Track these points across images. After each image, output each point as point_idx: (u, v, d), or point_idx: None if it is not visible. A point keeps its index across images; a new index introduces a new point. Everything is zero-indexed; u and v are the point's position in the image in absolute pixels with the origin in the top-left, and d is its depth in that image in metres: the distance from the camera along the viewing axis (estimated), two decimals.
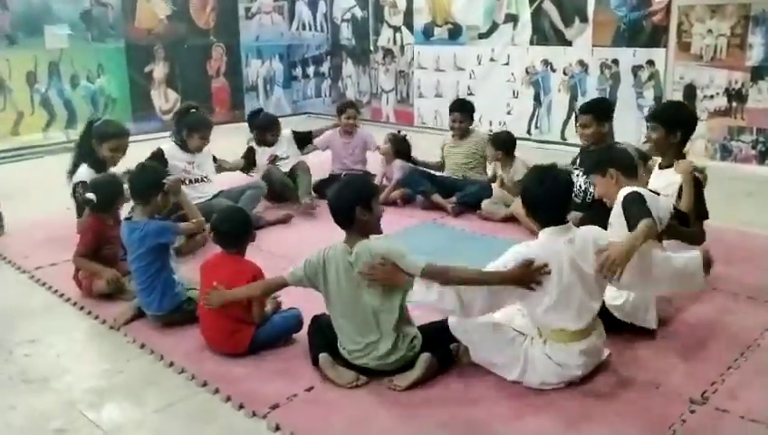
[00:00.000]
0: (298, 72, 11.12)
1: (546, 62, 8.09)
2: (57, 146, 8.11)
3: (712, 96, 6.88)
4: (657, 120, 3.91)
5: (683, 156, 3.87)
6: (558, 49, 7.94)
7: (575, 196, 4.52)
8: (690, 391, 2.85)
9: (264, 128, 5.93)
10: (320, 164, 6.13)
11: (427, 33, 9.23)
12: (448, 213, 5.45)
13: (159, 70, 9.41)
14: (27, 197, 6.21)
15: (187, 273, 3.80)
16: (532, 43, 8.17)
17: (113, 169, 4.54)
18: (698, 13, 6.84)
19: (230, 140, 6.48)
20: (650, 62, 7.22)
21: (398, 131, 6.18)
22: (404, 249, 2.90)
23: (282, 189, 5.75)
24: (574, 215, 3.96)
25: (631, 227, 2.98)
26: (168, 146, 5.12)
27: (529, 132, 8.19)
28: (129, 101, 9.17)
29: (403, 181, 5.77)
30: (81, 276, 3.93)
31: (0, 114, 8.13)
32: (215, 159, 5.37)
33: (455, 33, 8.91)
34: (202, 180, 5.15)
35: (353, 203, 2.89)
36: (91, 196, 3.95)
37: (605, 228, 3.14)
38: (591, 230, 2.91)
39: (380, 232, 3.03)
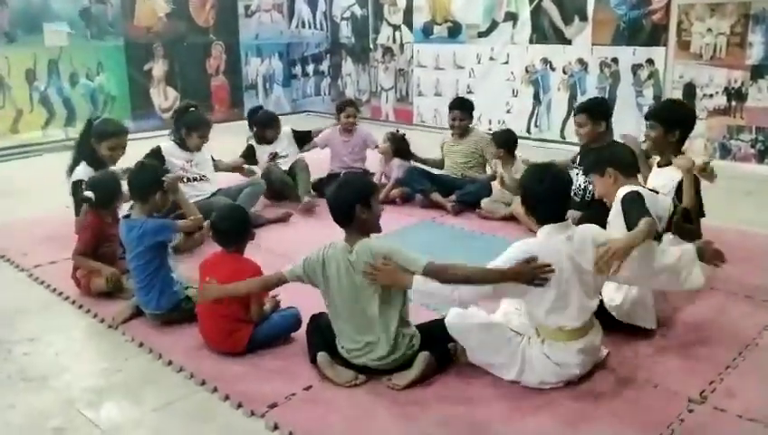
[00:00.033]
0: (297, 70, 11.12)
1: (546, 61, 8.09)
2: (56, 144, 8.13)
3: (711, 95, 6.88)
4: (656, 118, 3.91)
5: (682, 154, 3.87)
6: (557, 48, 7.94)
7: (574, 195, 4.52)
8: (689, 390, 2.85)
9: (264, 124, 5.92)
10: (318, 162, 6.12)
11: (427, 32, 9.22)
12: (448, 212, 5.45)
13: (159, 68, 9.41)
14: (26, 194, 6.22)
15: (186, 271, 3.81)
16: (531, 41, 8.17)
17: (112, 168, 4.53)
18: (698, 11, 6.84)
19: (229, 138, 6.48)
20: (650, 61, 7.22)
21: (397, 130, 6.18)
22: (405, 248, 2.90)
23: (281, 188, 5.74)
24: (573, 214, 3.96)
25: (630, 226, 2.99)
26: (167, 144, 5.12)
27: (528, 131, 8.19)
28: (129, 99, 9.17)
29: (402, 180, 5.77)
30: (80, 275, 3.93)
31: None
32: (212, 160, 5.36)
33: (454, 32, 8.91)
34: (200, 179, 5.14)
35: (353, 201, 2.88)
36: (89, 193, 3.95)
37: (604, 227, 3.14)
38: (590, 228, 2.92)
39: (380, 230, 3.03)
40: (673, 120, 3.86)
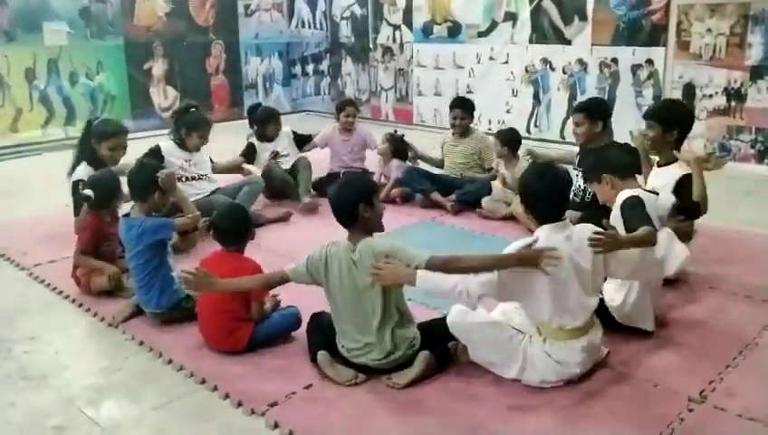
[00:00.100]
0: (297, 69, 11.11)
1: (545, 61, 8.09)
2: (56, 143, 8.14)
3: (711, 95, 6.88)
4: (654, 118, 3.92)
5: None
6: (557, 48, 7.94)
7: (574, 195, 4.52)
8: (689, 389, 2.86)
9: (264, 120, 5.92)
10: (318, 162, 6.13)
11: (427, 32, 9.22)
12: (447, 211, 5.45)
13: (159, 67, 9.41)
14: (26, 194, 6.22)
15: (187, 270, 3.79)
16: (531, 41, 8.17)
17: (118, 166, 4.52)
18: (698, 12, 6.84)
19: (229, 137, 6.48)
20: (649, 61, 7.22)
21: (395, 131, 6.18)
22: (407, 246, 2.91)
23: (282, 186, 5.74)
24: (573, 214, 3.96)
25: (630, 233, 3.03)
26: (167, 144, 5.11)
27: (528, 131, 8.18)
28: (129, 98, 9.16)
29: (402, 180, 5.77)
30: (80, 273, 3.93)
31: None
32: (210, 161, 5.34)
33: (454, 32, 8.91)
34: (199, 178, 5.13)
35: (356, 200, 2.88)
36: (88, 192, 3.95)
37: (603, 228, 3.15)
38: (589, 228, 2.92)
39: (383, 229, 3.03)
40: (671, 119, 3.87)
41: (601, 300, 3.12)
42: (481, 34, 8.62)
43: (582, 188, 4.60)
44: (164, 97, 9.50)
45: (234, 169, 5.66)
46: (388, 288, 2.88)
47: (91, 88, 8.82)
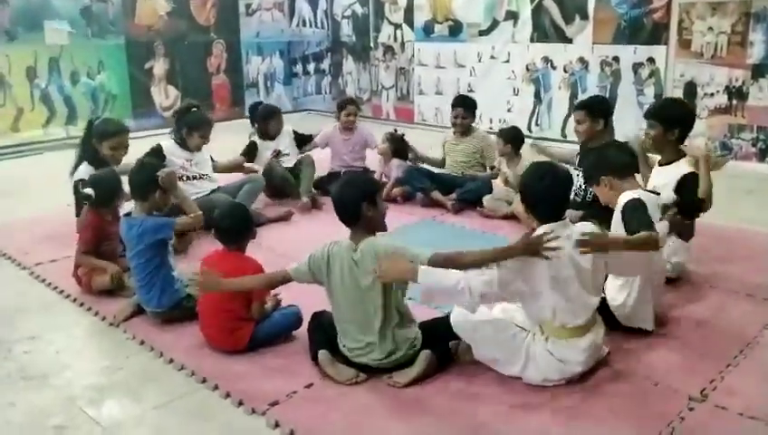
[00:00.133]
0: (298, 68, 11.11)
1: (547, 60, 8.08)
2: (57, 142, 8.14)
3: (712, 94, 6.87)
4: (655, 117, 3.91)
5: (681, 153, 3.87)
6: (558, 46, 7.94)
7: (575, 195, 4.52)
8: (689, 388, 2.85)
9: (266, 116, 5.92)
10: (320, 161, 6.12)
11: (428, 30, 9.22)
12: (448, 210, 5.45)
13: (160, 66, 9.41)
14: (27, 193, 6.22)
15: (187, 269, 3.79)
16: (532, 40, 8.17)
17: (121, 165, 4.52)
18: (699, 10, 6.83)
19: (230, 136, 6.47)
20: (651, 60, 7.21)
21: (395, 130, 6.17)
22: (410, 245, 2.91)
23: (282, 185, 5.74)
24: (574, 214, 3.96)
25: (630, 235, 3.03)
26: (168, 143, 5.10)
27: (529, 129, 8.18)
28: (130, 97, 9.17)
29: (403, 179, 5.77)
30: (81, 273, 3.93)
31: (0, 110, 8.13)
32: (212, 160, 5.34)
33: (455, 30, 8.91)
34: (200, 177, 5.12)
35: (359, 199, 2.88)
36: (89, 191, 3.95)
37: (605, 227, 3.15)
38: (588, 226, 2.92)
39: (386, 228, 3.03)
40: (672, 118, 3.86)
41: (603, 299, 3.12)
42: (482, 33, 8.62)
43: (583, 187, 4.59)
44: (165, 96, 9.50)
45: (235, 168, 5.65)
46: (388, 287, 2.88)
47: (93, 87, 8.82)
